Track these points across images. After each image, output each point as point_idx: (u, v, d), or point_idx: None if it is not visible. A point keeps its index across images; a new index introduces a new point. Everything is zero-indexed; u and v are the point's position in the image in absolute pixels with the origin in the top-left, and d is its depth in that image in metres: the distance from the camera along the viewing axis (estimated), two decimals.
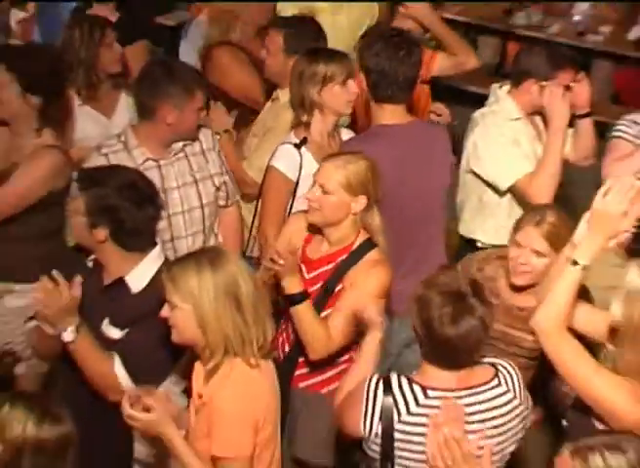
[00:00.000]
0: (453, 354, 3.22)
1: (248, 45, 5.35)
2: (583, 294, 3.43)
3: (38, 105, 4.43)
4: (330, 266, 3.92)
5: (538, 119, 4.81)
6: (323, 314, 3.86)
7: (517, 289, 4.01)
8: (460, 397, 3.23)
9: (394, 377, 3.29)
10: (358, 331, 3.80)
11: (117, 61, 5.07)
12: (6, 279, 4.53)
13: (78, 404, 3.47)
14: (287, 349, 4.04)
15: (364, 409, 3.27)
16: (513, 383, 3.33)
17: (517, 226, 3.98)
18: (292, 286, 3.73)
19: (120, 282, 3.72)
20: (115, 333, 3.67)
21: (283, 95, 4.80)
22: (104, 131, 4.82)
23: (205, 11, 5.94)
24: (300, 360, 4.01)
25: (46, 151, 4.37)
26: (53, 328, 3.49)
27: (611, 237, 3.24)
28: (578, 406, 3.34)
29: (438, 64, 5.43)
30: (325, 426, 3.97)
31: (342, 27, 5.76)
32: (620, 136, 4.74)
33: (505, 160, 4.56)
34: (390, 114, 4.47)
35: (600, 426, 3.22)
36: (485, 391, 3.27)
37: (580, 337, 3.34)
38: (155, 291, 3.39)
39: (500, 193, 4.71)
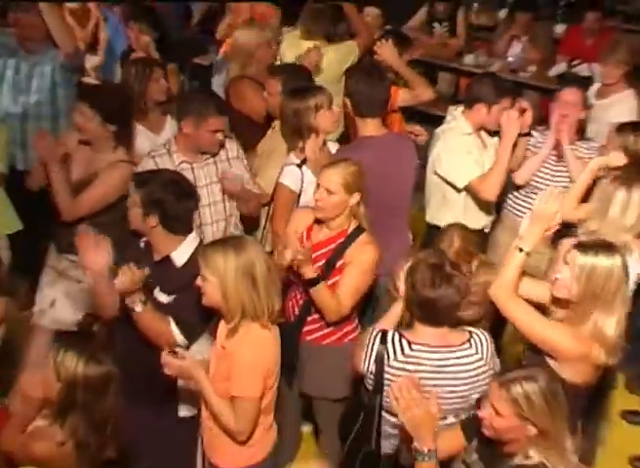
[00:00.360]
0: (432, 312, 3.24)
1: (260, 77, 5.31)
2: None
3: (114, 131, 4.44)
4: (331, 247, 3.91)
5: (483, 133, 4.82)
6: (330, 282, 3.84)
7: None
8: (438, 352, 3.28)
9: (390, 332, 3.33)
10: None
11: (163, 92, 4.99)
12: None
13: (134, 355, 3.61)
14: (296, 312, 4.00)
15: (364, 352, 3.35)
16: (482, 348, 3.34)
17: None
18: (309, 272, 3.70)
19: (167, 258, 3.73)
20: (164, 299, 3.68)
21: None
22: (153, 145, 4.74)
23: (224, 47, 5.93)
24: (308, 320, 3.98)
25: (120, 164, 4.40)
26: (128, 301, 3.50)
27: (546, 230, 3.37)
28: (532, 348, 3.41)
29: (401, 97, 5.45)
30: (324, 369, 4.01)
31: (332, 62, 5.73)
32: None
33: (461, 166, 4.57)
34: (371, 126, 4.48)
35: (550, 361, 3.31)
36: (457, 351, 3.30)
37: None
38: (193, 266, 3.40)
39: (458, 191, 4.69)
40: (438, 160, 4.69)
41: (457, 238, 3.86)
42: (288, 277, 3.94)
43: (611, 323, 3.26)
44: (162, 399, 3.74)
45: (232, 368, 3.21)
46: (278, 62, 5.85)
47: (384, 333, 3.34)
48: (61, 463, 2.99)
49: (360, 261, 3.86)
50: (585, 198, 4.26)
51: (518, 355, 3.84)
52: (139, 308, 3.51)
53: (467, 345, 3.31)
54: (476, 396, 3.29)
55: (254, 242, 3.44)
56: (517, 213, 5.01)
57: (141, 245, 3.84)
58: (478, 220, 4.81)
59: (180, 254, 3.72)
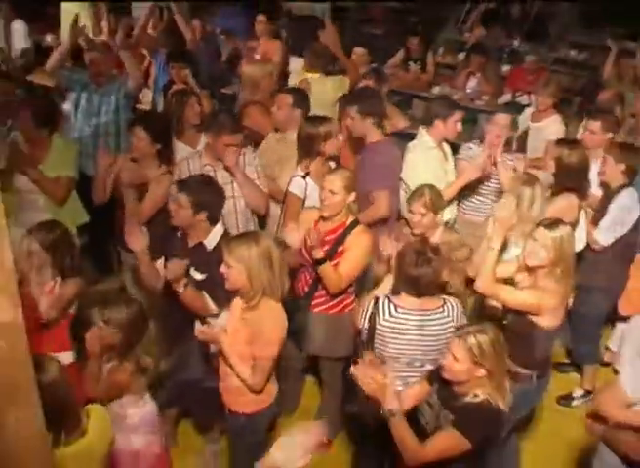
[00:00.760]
0: (414, 286, 3.28)
1: (265, 102, 5.29)
2: None
3: (158, 149, 4.45)
4: (333, 236, 3.90)
5: (445, 146, 4.81)
6: (333, 263, 3.83)
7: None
8: (417, 314, 3.31)
9: (381, 297, 3.38)
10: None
11: (197, 115, 4.96)
12: None
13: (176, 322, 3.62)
14: (306, 289, 3.99)
15: (361, 313, 3.40)
16: (453, 312, 3.36)
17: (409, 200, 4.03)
18: (318, 254, 3.74)
19: (200, 244, 3.75)
20: (199, 276, 3.67)
21: (289, 135, 4.73)
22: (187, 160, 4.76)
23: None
24: (315, 295, 3.97)
25: (164, 177, 4.40)
26: (175, 285, 3.52)
27: (508, 231, 3.48)
28: (517, 313, 3.46)
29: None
30: (329, 333, 4.01)
31: (328, 90, 5.74)
32: (460, 158, 4.88)
33: (424, 176, 4.41)
34: (376, 133, 4.61)
35: (533, 318, 3.41)
36: (432, 314, 3.33)
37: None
38: (220, 250, 3.35)
39: None
40: (407, 169, 4.66)
41: (427, 191, 3.95)
42: (298, 262, 3.94)
43: (570, 272, 3.43)
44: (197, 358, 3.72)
45: (256, 334, 3.18)
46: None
47: (377, 299, 3.37)
48: (137, 388, 3.02)
49: (357, 247, 3.85)
50: None
51: None
52: (182, 290, 3.52)
53: (441, 309, 3.33)
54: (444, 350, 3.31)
55: (266, 234, 3.43)
56: (470, 212, 4.97)
57: (178, 235, 3.83)
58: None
59: (211, 240, 3.73)
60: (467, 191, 4.80)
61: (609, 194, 4.42)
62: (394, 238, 3.72)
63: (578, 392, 4.83)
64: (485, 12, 9.58)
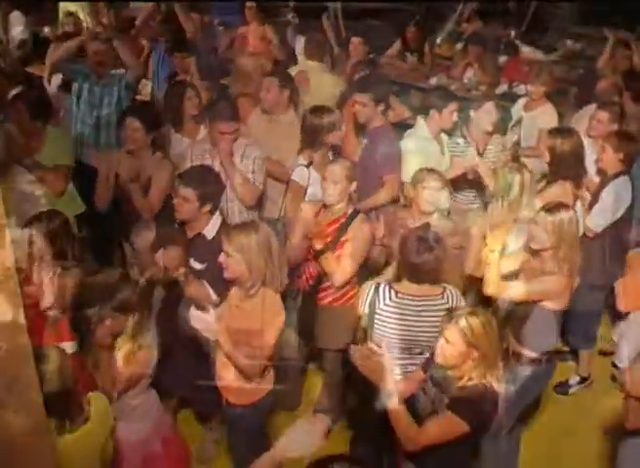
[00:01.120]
0: (416, 273, 3.29)
1: (256, 94, 5.16)
2: None
3: (153, 138, 4.45)
4: (335, 226, 3.90)
5: (443, 138, 4.80)
6: (336, 253, 3.83)
7: None
8: (416, 300, 3.32)
9: (382, 283, 3.39)
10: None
11: (195, 107, 4.96)
12: None
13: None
14: (310, 282, 3.99)
15: (362, 297, 3.41)
16: (453, 299, 3.36)
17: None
18: (320, 244, 3.79)
19: (199, 234, 3.74)
20: (199, 266, 3.67)
21: (283, 117, 4.89)
22: (187, 148, 4.76)
23: None
24: (320, 287, 3.98)
25: (163, 163, 4.40)
26: (175, 274, 3.51)
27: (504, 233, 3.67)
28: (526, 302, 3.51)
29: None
30: (336, 326, 3.99)
31: (325, 85, 5.76)
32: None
33: (413, 165, 4.38)
34: (381, 118, 4.70)
35: (546, 303, 3.49)
36: (432, 300, 3.34)
37: None
38: (219, 239, 3.36)
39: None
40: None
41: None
42: (301, 255, 3.96)
43: (573, 255, 3.48)
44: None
45: (254, 323, 3.17)
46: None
47: (378, 285, 3.38)
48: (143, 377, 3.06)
49: (359, 237, 3.85)
50: None
51: None
52: (182, 278, 3.50)
53: (440, 297, 3.34)
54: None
55: (265, 224, 3.43)
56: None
57: (176, 225, 3.82)
58: None
59: (210, 230, 3.72)
60: (460, 182, 4.81)
61: (605, 181, 4.44)
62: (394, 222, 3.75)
63: (574, 379, 4.84)
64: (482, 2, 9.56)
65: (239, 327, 3.20)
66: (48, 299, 3.20)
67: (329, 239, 3.85)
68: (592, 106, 5.26)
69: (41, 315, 3.19)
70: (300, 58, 6.40)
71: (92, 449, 2.53)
